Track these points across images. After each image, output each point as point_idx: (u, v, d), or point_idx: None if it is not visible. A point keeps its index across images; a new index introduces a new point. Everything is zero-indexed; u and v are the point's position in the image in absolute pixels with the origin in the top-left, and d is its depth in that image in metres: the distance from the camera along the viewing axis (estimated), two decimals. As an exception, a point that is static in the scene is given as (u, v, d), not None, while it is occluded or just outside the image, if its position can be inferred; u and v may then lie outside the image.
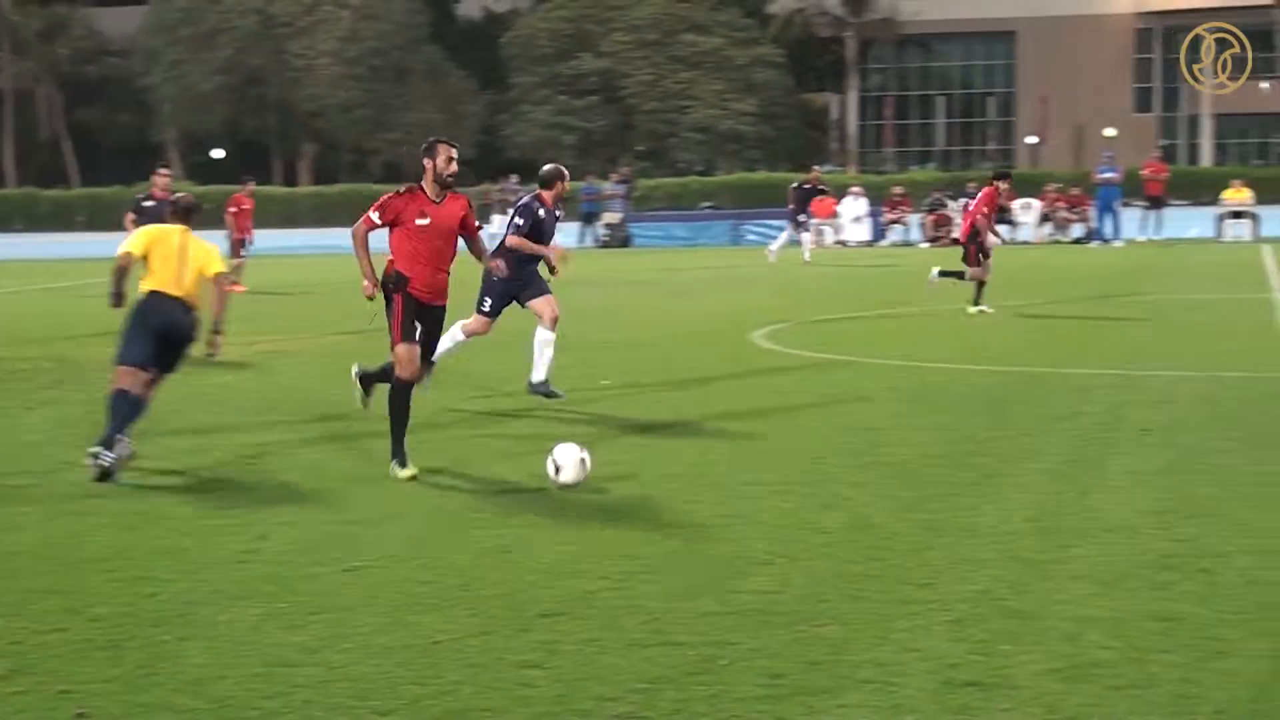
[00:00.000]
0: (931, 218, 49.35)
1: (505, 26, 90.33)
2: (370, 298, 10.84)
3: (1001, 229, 48.68)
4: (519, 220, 14.06)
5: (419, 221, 10.74)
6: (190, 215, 11.75)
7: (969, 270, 22.72)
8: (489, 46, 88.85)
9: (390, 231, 10.85)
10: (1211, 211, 48.47)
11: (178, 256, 11.27)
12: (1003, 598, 7.27)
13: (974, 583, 7.55)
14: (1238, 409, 12.92)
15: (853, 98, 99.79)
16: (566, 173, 14.70)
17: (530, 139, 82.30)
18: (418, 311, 10.78)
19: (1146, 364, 16.13)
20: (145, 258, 11.28)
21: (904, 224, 51.00)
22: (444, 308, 11.07)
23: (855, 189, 52.69)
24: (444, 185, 10.82)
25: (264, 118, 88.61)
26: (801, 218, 39.28)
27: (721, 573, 7.82)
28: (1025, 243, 47.37)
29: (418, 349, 10.74)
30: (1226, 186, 48.87)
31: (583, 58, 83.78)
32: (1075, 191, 49.83)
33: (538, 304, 14.21)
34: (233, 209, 31.75)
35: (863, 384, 15.19)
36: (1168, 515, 8.90)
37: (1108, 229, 46.26)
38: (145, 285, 11.27)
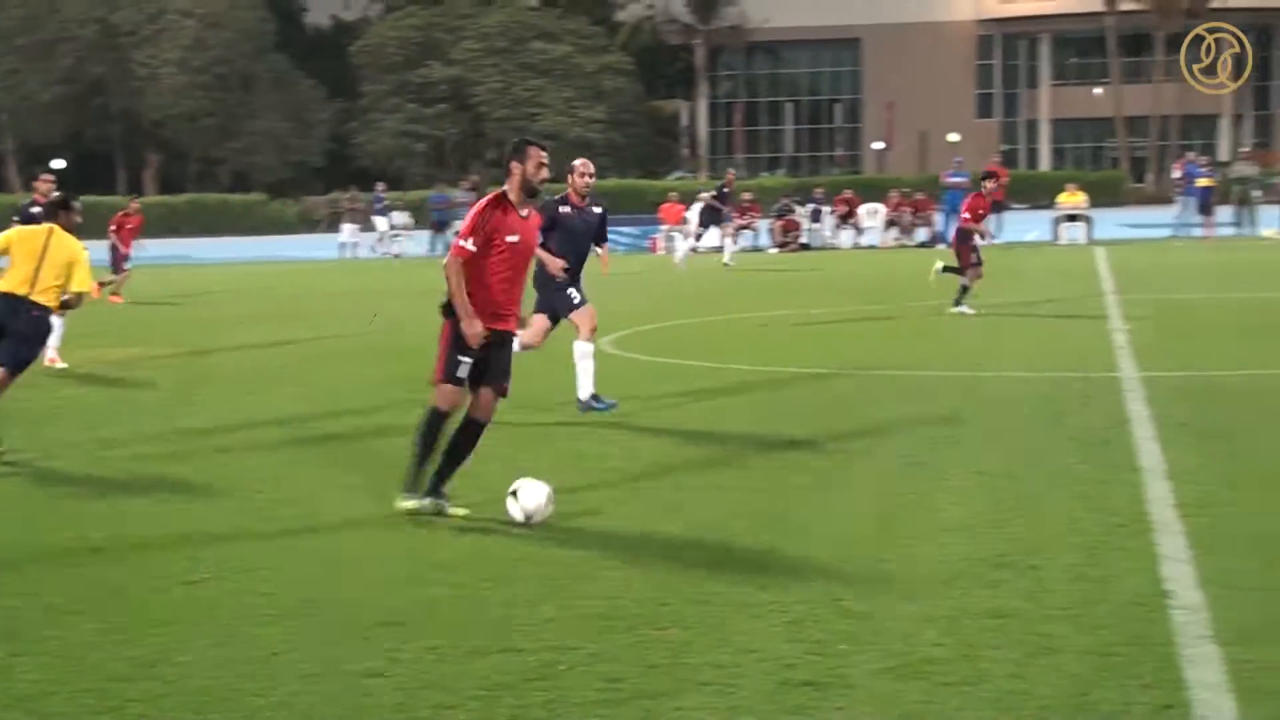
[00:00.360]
0: (780, 223, 49.77)
1: (355, 35, 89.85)
2: (483, 343, 9.24)
3: (846, 234, 49.55)
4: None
5: (510, 239, 9.31)
6: (56, 213, 12.15)
7: (967, 271, 22.92)
8: (338, 55, 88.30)
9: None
10: (1049, 215, 49.41)
11: (38, 256, 11.76)
12: (841, 598, 7.33)
13: (814, 584, 7.62)
14: (1070, 408, 13.17)
15: (702, 104, 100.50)
16: (579, 164, 13.51)
17: (381, 147, 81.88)
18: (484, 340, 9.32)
19: (986, 365, 16.40)
20: (7, 254, 11.70)
21: (753, 229, 51.35)
22: (512, 334, 9.69)
23: (705, 195, 52.91)
24: (531, 194, 9.48)
25: (107, 127, 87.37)
26: (697, 229, 39.74)
27: (563, 579, 7.83)
28: (871, 247, 48.01)
29: (461, 391, 9.34)
30: (1063, 190, 49.86)
31: (432, 66, 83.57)
32: (919, 196, 50.56)
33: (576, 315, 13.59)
34: (114, 226, 32.31)
35: (710, 388, 15.29)
36: (1002, 514, 9.05)
37: (952, 233, 46.90)
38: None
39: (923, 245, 47.57)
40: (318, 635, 6.91)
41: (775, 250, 48.35)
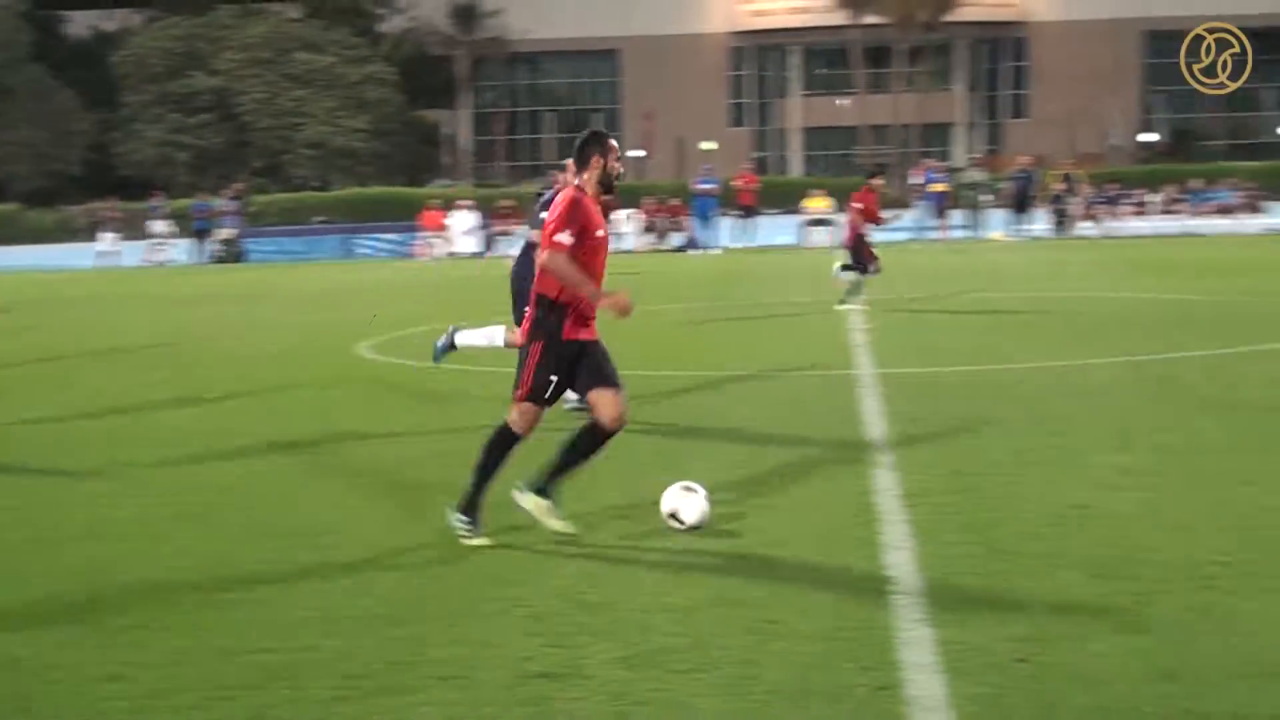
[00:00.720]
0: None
1: (116, 45, 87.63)
2: (627, 312, 8.47)
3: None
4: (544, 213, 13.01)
5: (599, 233, 8.48)
6: None
7: (870, 267, 23.22)
8: (99, 65, 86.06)
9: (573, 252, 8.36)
10: (798, 219, 50.29)
11: None
12: (581, 592, 7.39)
13: (555, 579, 7.67)
14: (809, 404, 13.41)
15: (465, 114, 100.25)
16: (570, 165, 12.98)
17: (143, 156, 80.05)
18: (575, 354, 8.43)
19: (731, 365, 16.60)
20: None
21: (513, 235, 51.50)
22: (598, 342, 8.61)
23: (464, 202, 52.94)
24: (609, 189, 8.61)
25: None
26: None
27: (310, 579, 7.76)
28: (629, 251, 48.33)
29: (541, 413, 8.54)
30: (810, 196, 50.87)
31: (195, 76, 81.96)
32: (674, 202, 51.14)
33: None
34: None
35: (463, 390, 15.27)
36: (739, 507, 9.18)
37: (706, 237, 47.56)
38: None
39: (678, 250, 48.05)
40: (59, 639, 6.76)
41: (535, 255, 48.49)
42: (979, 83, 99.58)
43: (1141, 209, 52.12)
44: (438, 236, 49.64)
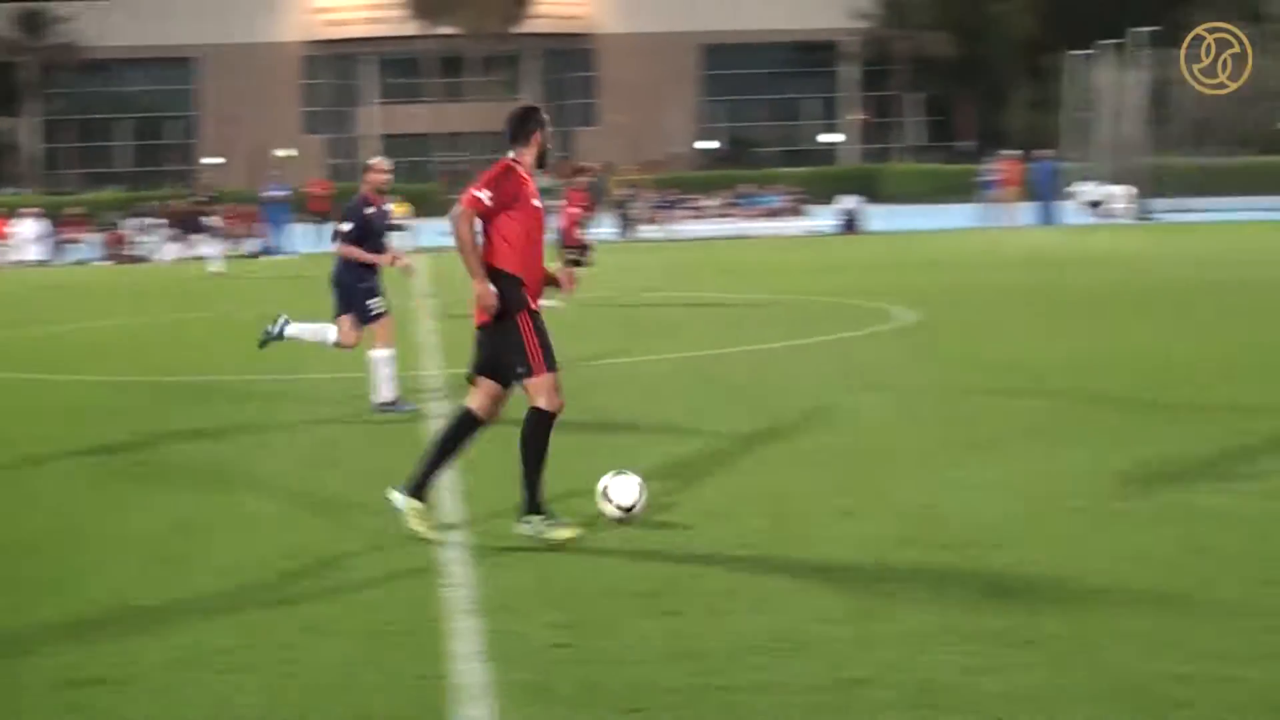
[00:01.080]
0: (110, 236, 48.54)
1: None
2: (485, 321, 8.10)
3: (176, 246, 48.65)
4: (345, 225, 13.00)
5: (535, 202, 8.15)
6: None
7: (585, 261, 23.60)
8: None
9: (490, 218, 8.06)
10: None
11: None
12: (136, 597, 7.23)
13: (110, 582, 7.50)
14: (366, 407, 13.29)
15: (33, 121, 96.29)
16: (376, 162, 13.62)
17: None
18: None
19: (300, 368, 16.22)
20: None
21: (81, 243, 49.95)
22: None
23: (30, 210, 50.88)
24: (542, 164, 8.31)
25: None
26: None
27: None
28: (207, 258, 47.16)
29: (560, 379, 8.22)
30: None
31: None
32: (247, 209, 50.45)
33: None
34: None
35: (8, 400, 14.75)
36: (298, 513, 9.08)
37: (280, 242, 46.88)
38: None
39: (252, 255, 47.08)
40: None
41: (108, 262, 46.86)
42: (549, 92, 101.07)
43: (699, 212, 53.91)
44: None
